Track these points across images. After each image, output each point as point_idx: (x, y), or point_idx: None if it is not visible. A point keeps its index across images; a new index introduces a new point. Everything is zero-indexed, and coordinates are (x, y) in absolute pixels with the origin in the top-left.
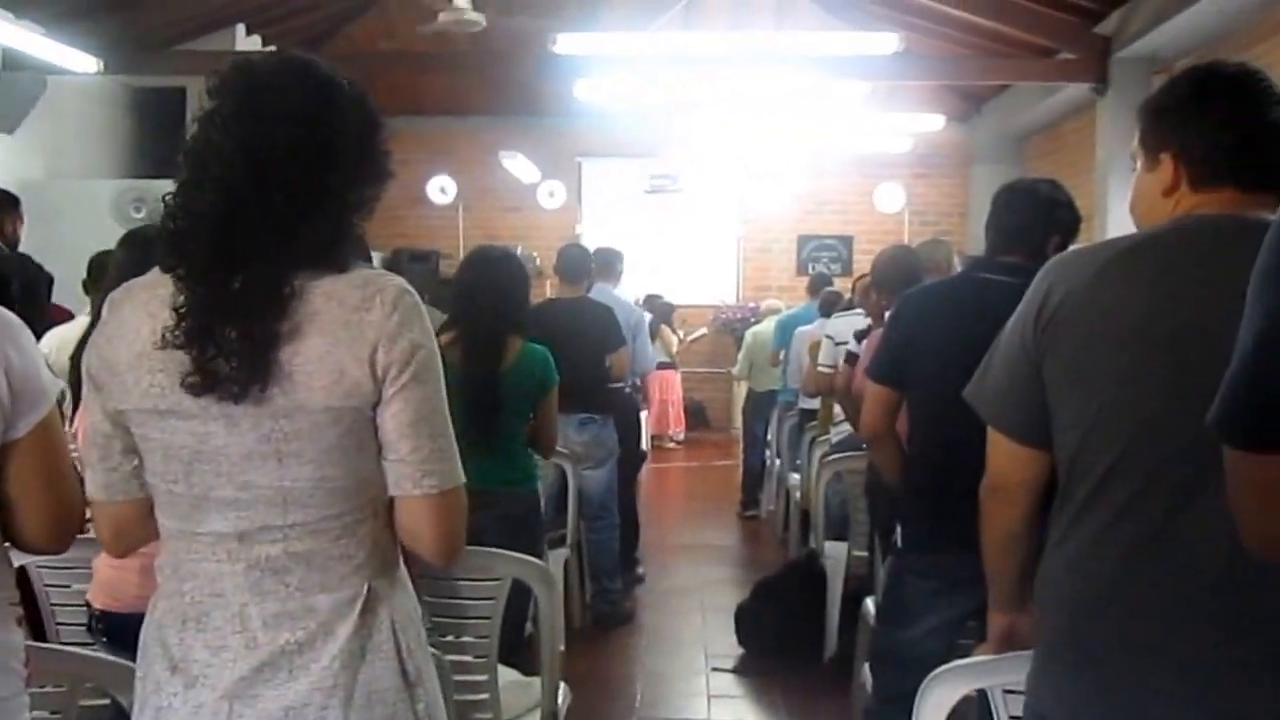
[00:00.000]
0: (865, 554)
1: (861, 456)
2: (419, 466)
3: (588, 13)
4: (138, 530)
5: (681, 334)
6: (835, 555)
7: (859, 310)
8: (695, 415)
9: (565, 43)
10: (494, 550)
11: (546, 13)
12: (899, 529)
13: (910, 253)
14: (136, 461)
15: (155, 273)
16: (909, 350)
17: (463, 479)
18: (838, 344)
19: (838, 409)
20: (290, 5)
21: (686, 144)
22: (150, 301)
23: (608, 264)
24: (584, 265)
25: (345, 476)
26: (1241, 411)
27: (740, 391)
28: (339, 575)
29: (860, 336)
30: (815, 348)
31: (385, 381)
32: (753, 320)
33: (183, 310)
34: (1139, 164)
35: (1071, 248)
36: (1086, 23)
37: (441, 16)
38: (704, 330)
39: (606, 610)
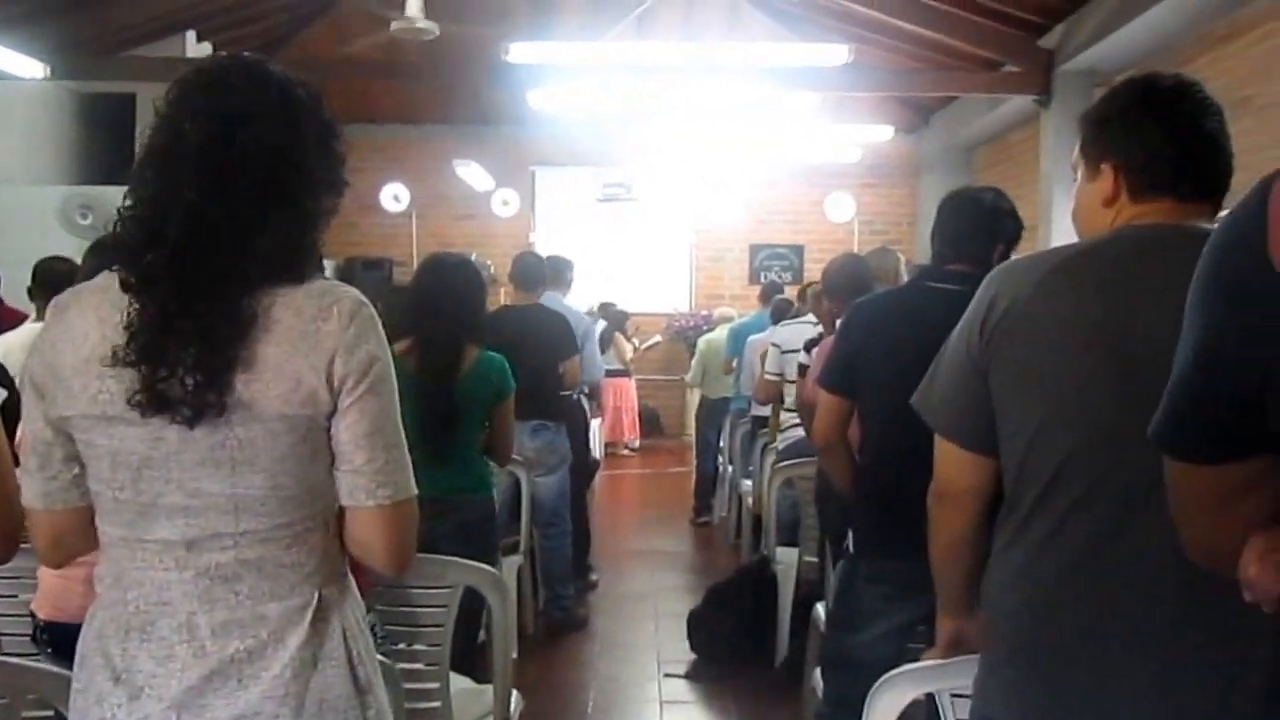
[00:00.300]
0: (816, 560)
1: (812, 462)
2: (373, 478)
3: (540, 22)
4: (77, 540)
5: (636, 342)
6: (786, 561)
7: (807, 318)
8: (649, 422)
9: (518, 52)
10: (446, 558)
11: (499, 21)
12: (850, 535)
13: (860, 261)
14: (77, 470)
15: (105, 276)
16: (860, 359)
17: (415, 490)
18: (784, 352)
19: (785, 415)
20: (241, 12)
21: (640, 153)
22: (100, 306)
23: (557, 272)
24: (539, 273)
25: (298, 485)
26: (1181, 424)
27: (694, 399)
28: (290, 583)
29: (810, 346)
30: (766, 355)
31: (341, 392)
32: (705, 328)
33: (134, 325)
34: (1080, 174)
35: (1015, 256)
36: (1031, 36)
37: (394, 25)
38: (658, 338)
39: (559, 617)
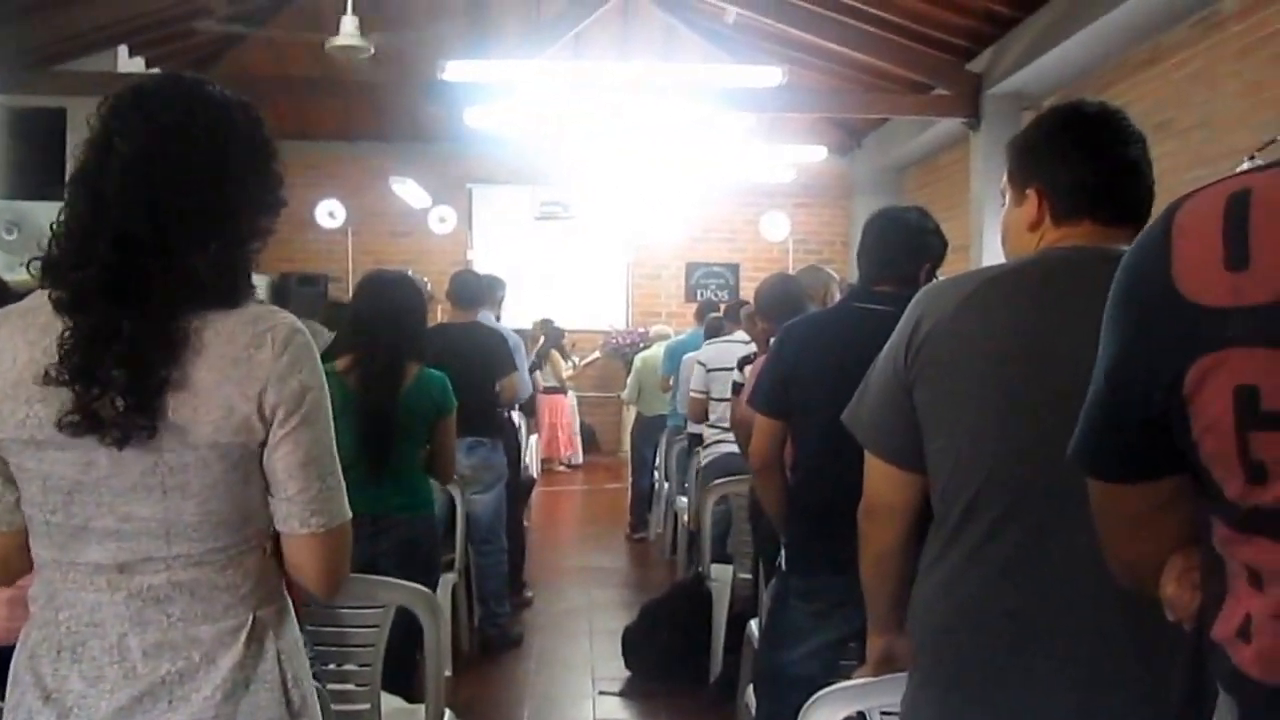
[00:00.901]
0: (750, 576)
1: (746, 479)
2: (306, 506)
3: (477, 41)
4: (20, 561)
5: (575, 359)
6: (720, 578)
7: (737, 336)
8: (585, 439)
9: (454, 70)
10: (377, 578)
11: (435, 40)
12: (783, 552)
13: (793, 281)
14: (17, 493)
15: (35, 296)
16: (792, 380)
17: (348, 514)
18: (709, 370)
19: (709, 431)
20: (175, 27)
21: (576, 171)
22: (28, 329)
23: (490, 291)
24: (476, 291)
25: (231, 510)
26: (1096, 444)
27: (630, 416)
28: (223, 605)
29: (744, 363)
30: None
31: (274, 422)
32: (642, 345)
33: (67, 344)
34: (1007, 198)
35: (942, 277)
36: (959, 60)
37: (329, 44)
38: (596, 354)
39: (494, 634)
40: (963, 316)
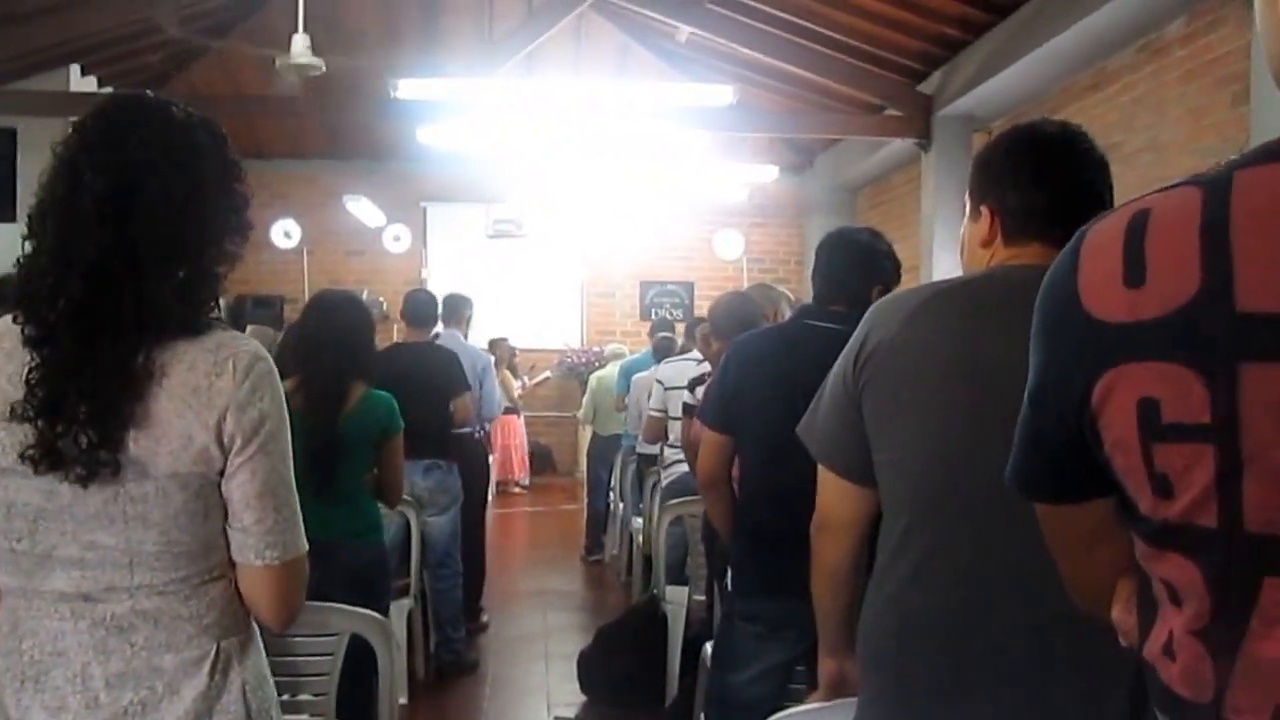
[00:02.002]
0: (705, 598)
1: (700, 500)
2: (262, 538)
3: (429, 59)
4: None
5: (526, 378)
6: (676, 600)
7: (692, 355)
8: (540, 460)
9: (406, 88)
10: (330, 605)
11: (387, 57)
12: (730, 573)
13: (747, 299)
14: None
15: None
16: (739, 396)
17: (304, 548)
18: (668, 388)
19: (669, 452)
20: (127, 45)
21: (530, 189)
22: None
23: (456, 310)
24: (430, 310)
25: (193, 540)
26: (1026, 464)
27: (586, 435)
28: (186, 635)
29: (695, 384)
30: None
31: (232, 451)
32: (597, 364)
33: (33, 379)
34: (967, 212)
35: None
36: (910, 82)
37: (279, 62)
38: (548, 373)
39: (450, 660)
40: (909, 330)
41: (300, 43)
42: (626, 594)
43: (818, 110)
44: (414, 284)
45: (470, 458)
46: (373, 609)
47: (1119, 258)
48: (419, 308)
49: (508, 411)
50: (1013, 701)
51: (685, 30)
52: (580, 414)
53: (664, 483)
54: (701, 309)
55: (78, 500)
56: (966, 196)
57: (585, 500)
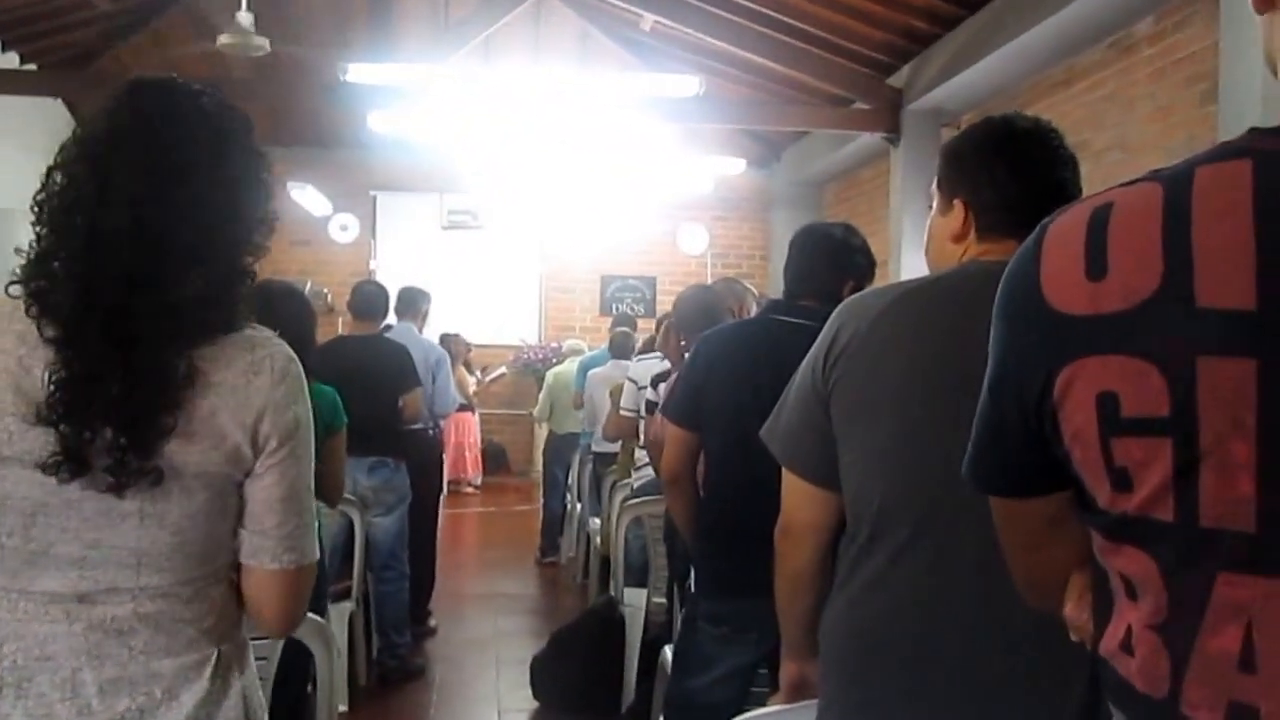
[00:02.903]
0: (665, 601)
1: (661, 500)
2: (281, 541)
3: (382, 42)
4: None
5: (479, 374)
6: (634, 602)
7: (657, 354)
8: (494, 458)
9: (357, 72)
10: None
11: (337, 40)
12: (693, 574)
13: (711, 293)
14: None
15: (1, 303)
16: (705, 392)
17: (317, 554)
18: (641, 387)
19: (640, 454)
20: (55, 21)
21: (488, 180)
22: (2, 335)
23: (413, 303)
24: (378, 302)
25: (205, 541)
26: (982, 457)
27: (541, 433)
28: (187, 638)
29: (657, 382)
30: (617, 390)
31: (264, 452)
32: (555, 361)
33: (56, 381)
34: (934, 206)
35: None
36: (879, 75)
37: (221, 40)
38: (502, 369)
39: (394, 665)
40: (879, 328)
41: (244, 20)
42: (582, 597)
43: (784, 103)
44: (361, 276)
45: (422, 455)
46: (311, 610)
47: (1081, 250)
48: (366, 300)
49: (462, 409)
50: (976, 708)
51: (649, 18)
52: (536, 412)
53: (635, 484)
54: (664, 304)
55: (87, 496)
56: (934, 189)
57: (541, 501)
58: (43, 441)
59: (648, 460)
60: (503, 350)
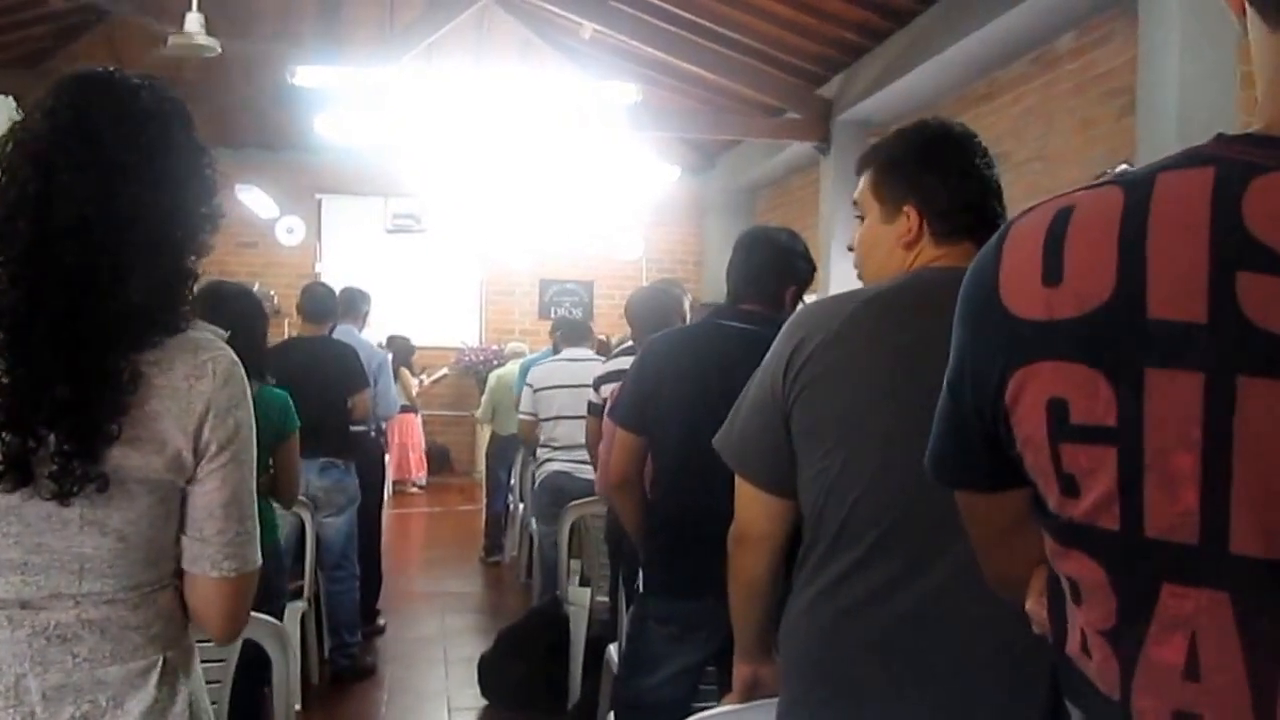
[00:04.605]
0: (607, 600)
1: (603, 501)
2: (221, 549)
3: (328, 47)
4: None
5: (423, 376)
6: (578, 601)
7: (577, 355)
8: (438, 459)
9: (305, 74)
10: None
11: (284, 43)
12: (641, 574)
13: (664, 294)
14: None
15: None
16: (653, 395)
17: (259, 561)
18: (537, 390)
19: (541, 451)
20: (8, 17)
21: (430, 184)
22: None
23: (352, 304)
24: (328, 304)
25: (149, 547)
26: (940, 451)
27: (483, 435)
28: (133, 645)
29: (600, 384)
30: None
31: (205, 458)
32: (496, 363)
33: (4, 387)
34: (871, 215)
35: (815, 298)
36: (810, 85)
37: (171, 41)
38: (445, 371)
39: (345, 665)
40: (845, 336)
41: (194, 21)
42: (526, 596)
43: (718, 111)
44: (307, 278)
45: (366, 457)
46: (266, 611)
47: (1039, 255)
48: (316, 301)
49: (404, 410)
50: (945, 700)
51: (589, 27)
52: (479, 413)
53: (536, 485)
54: (601, 308)
55: (27, 502)
56: (863, 200)
57: (484, 501)
58: None
59: (550, 456)
60: (444, 352)
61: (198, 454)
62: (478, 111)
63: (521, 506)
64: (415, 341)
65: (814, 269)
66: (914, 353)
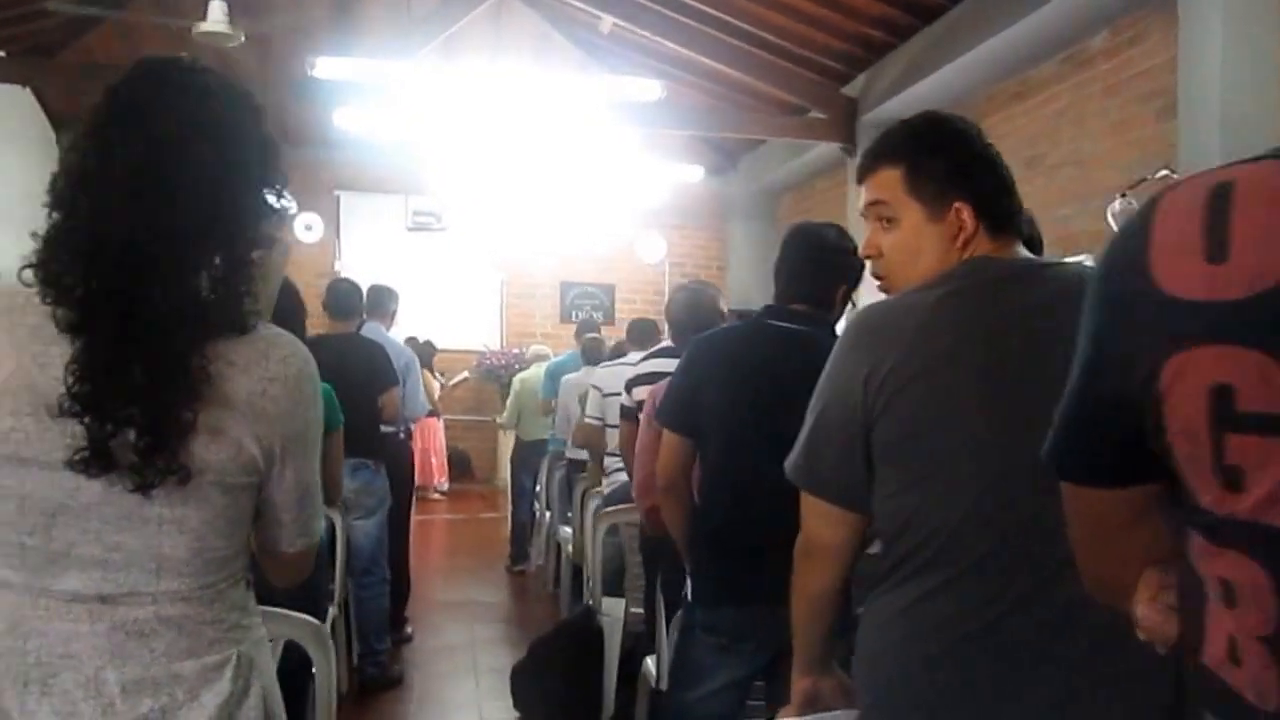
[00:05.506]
0: (642, 610)
1: (636, 507)
2: (293, 528)
3: (344, 43)
4: None
5: (442, 379)
6: (612, 612)
7: (628, 358)
8: (459, 465)
9: (324, 66)
10: (262, 608)
11: (300, 36)
12: (689, 582)
13: (704, 294)
14: None
15: (14, 294)
16: (701, 398)
17: (323, 528)
18: (606, 395)
19: (609, 460)
20: (18, 9)
21: (450, 182)
22: (15, 330)
23: (380, 303)
24: (354, 301)
25: (226, 546)
26: (1068, 443)
27: (506, 440)
28: (208, 640)
29: (631, 386)
30: (585, 396)
31: (278, 457)
32: (518, 367)
33: (76, 371)
34: (909, 216)
35: (865, 305)
36: (835, 84)
37: (196, 30)
38: (466, 374)
39: (374, 673)
40: (927, 342)
41: (218, 10)
42: (554, 605)
43: (741, 110)
44: (326, 276)
45: (396, 459)
46: (311, 613)
47: (1199, 231)
48: (342, 298)
49: (429, 414)
50: (1043, 701)
51: (609, 21)
52: (503, 418)
53: (605, 491)
54: (623, 311)
55: (107, 499)
56: (902, 200)
57: (509, 508)
58: (61, 441)
59: (619, 466)
60: (465, 355)
61: (271, 456)
62: (495, 107)
63: (548, 514)
64: (435, 344)
65: (863, 266)
66: (1003, 348)
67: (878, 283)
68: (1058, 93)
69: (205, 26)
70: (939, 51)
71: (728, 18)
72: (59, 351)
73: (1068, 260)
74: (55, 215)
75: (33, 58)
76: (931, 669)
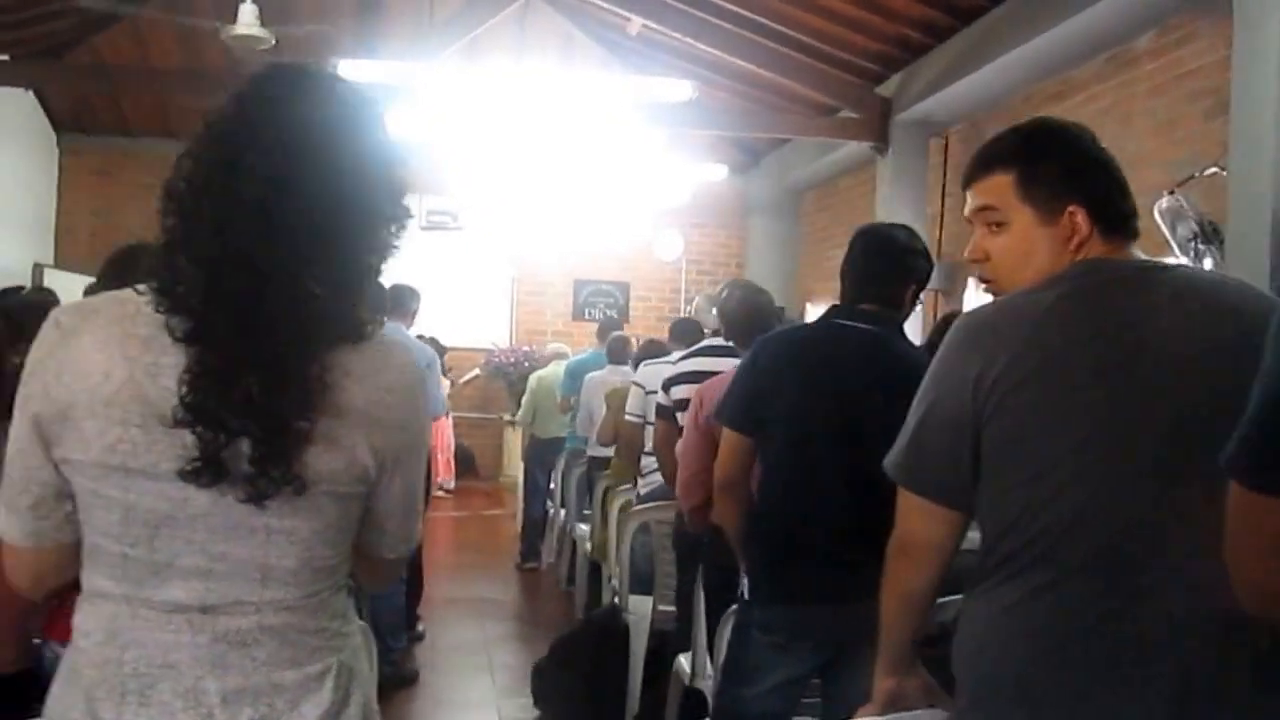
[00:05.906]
0: (671, 608)
1: (670, 506)
2: (397, 534)
3: (365, 41)
4: (57, 577)
5: (450, 376)
6: (639, 610)
7: (668, 358)
8: (464, 462)
9: (346, 69)
10: None
11: (321, 37)
12: (745, 580)
13: (759, 294)
14: (70, 507)
15: (121, 302)
16: (765, 398)
17: (420, 533)
18: (649, 392)
19: (646, 460)
20: (29, 10)
21: (466, 182)
22: (125, 341)
23: (402, 302)
24: (378, 300)
25: (334, 556)
26: (1260, 452)
27: (513, 438)
28: (310, 649)
29: (668, 386)
30: (613, 394)
31: (388, 466)
32: (527, 365)
33: (190, 382)
34: (1020, 219)
35: (974, 306)
36: (869, 84)
37: (227, 34)
38: (476, 371)
39: (389, 672)
40: (1047, 343)
41: (249, 12)
42: (568, 603)
43: (772, 110)
44: None
45: None
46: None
47: None
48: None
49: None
50: (1146, 708)
51: (637, 22)
52: (519, 415)
53: (642, 491)
54: (638, 309)
55: (216, 510)
56: (1013, 204)
57: (521, 505)
58: (172, 452)
59: (656, 466)
60: (474, 353)
61: (384, 465)
62: (517, 109)
63: (562, 511)
64: (445, 342)
65: (932, 267)
66: (1115, 351)
67: (984, 286)
68: (1098, 93)
69: (236, 30)
70: (978, 52)
71: (760, 18)
72: (171, 361)
73: (1177, 263)
74: (174, 225)
75: (37, 61)
76: (1035, 668)
